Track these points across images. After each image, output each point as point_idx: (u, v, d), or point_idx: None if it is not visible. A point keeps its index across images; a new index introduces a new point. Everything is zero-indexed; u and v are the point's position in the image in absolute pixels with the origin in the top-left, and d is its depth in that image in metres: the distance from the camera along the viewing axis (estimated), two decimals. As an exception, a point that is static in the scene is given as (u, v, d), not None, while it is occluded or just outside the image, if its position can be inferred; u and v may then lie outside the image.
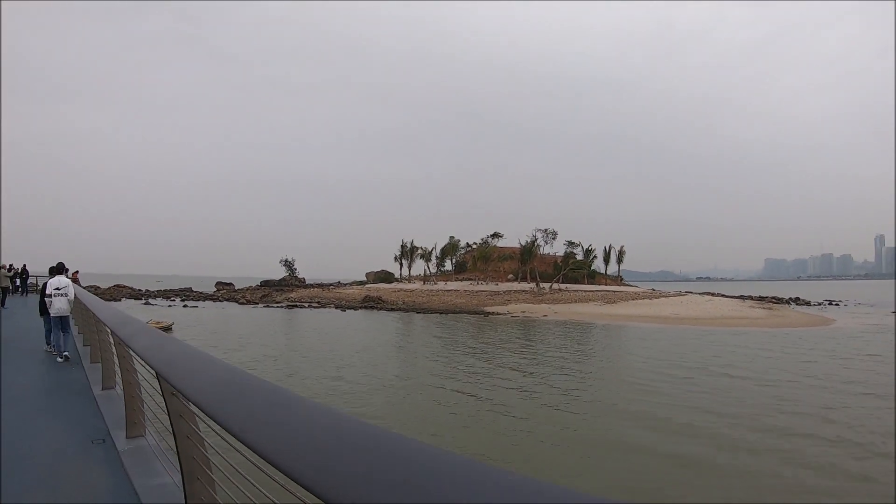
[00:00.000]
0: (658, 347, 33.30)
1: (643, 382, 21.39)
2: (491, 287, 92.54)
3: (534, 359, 28.45)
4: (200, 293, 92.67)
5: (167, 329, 39.95)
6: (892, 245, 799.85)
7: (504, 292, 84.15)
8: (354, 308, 69.45)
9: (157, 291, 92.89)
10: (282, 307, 70.22)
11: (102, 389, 6.44)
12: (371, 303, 73.90)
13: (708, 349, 32.14)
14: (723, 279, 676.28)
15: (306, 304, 74.33)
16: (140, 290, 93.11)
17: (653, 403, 17.81)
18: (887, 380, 21.72)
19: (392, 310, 68.22)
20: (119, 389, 5.80)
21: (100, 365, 7.00)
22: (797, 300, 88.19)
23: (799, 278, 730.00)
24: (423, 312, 64.68)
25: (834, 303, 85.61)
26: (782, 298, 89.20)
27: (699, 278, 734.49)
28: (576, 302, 73.36)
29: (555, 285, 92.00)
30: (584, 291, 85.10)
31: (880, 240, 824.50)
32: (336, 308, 69.80)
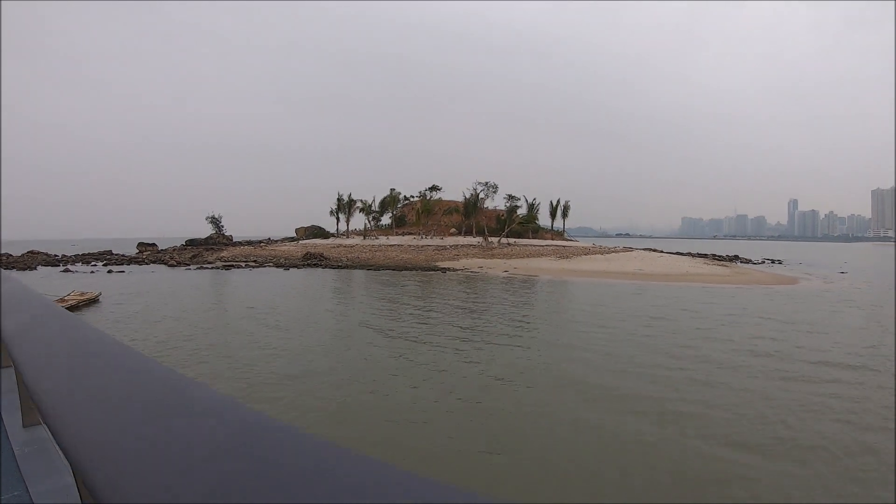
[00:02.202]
0: (696, 309, 30.69)
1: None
2: (436, 241, 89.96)
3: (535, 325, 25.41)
4: (122, 256, 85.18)
5: (94, 301, 34.17)
6: (805, 209, 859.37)
7: (451, 247, 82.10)
8: (297, 266, 65.35)
9: (75, 256, 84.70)
10: (216, 268, 64.65)
11: None
12: (313, 260, 69.89)
13: (731, 305, 32.31)
14: (642, 236, 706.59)
15: (242, 264, 68.89)
16: (56, 255, 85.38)
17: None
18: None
19: (338, 267, 64.61)
20: None
21: None
22: (737, 258, 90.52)
23: (715, 237, 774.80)
24: (373, 269, 61.53)
25: (776, 261, 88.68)
26: (724, 256, 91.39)
27: (618, 234, 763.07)
28: (528, 257, 72.07)
29: (503, 240, 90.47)
30: (534, 246, 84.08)
31: (793, 203, 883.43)
32: (277, 267, 65.53)
